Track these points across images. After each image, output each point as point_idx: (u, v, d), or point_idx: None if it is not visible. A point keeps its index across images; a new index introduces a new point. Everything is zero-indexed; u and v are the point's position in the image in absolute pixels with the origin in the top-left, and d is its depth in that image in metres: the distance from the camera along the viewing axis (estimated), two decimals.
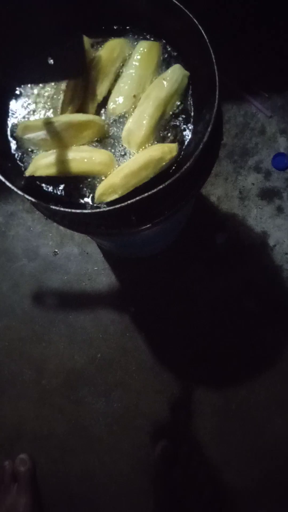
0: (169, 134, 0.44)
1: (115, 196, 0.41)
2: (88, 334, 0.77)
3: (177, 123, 0.44)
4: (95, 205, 0.42)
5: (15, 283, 0.78)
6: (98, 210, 0.38)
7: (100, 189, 0.41)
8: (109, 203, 0.41)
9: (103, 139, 0.44)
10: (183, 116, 0.44)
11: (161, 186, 0.38)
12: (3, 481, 0.71)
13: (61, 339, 0.77)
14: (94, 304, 0.78)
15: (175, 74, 0.43)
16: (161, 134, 0.44)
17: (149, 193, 0.38)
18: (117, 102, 0.44)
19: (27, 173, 0.42)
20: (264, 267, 0.77)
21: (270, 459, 0.72)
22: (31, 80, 0.41)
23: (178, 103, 0.44)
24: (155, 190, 0.38)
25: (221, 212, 0.79)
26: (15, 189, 0.39)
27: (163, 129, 0.44)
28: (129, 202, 0.38)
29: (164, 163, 0.41)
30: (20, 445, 0.74)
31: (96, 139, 0.43)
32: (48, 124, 0.41)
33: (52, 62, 0.38)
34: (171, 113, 0.44)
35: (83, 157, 0.42)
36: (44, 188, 0.43)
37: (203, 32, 0.39)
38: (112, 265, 0.78)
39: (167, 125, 0.44)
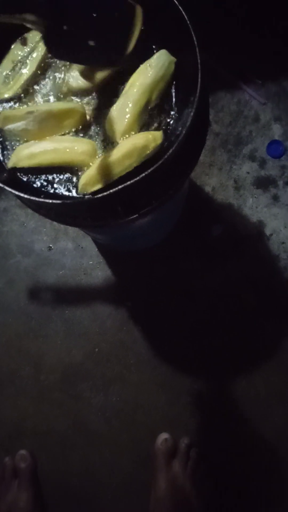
0: (154, 123, 0.43)
1: (98, 186, 0.40)
2: (85, 329, 0.76)
3: (163, 111, 0.43)
4: (79, 196, 0.41)
5: (10, 279, 0.78)
6: (80, 200, 0.37)
7: (83, 179, 0.40)
8: (93, 194, 0.40)
9: (86, 128, 0.43)
10: (169, 103, 0.43)
11: (143, 174, 0.37)
12: (4, 478, 0.72)
13: (58, 334, 0.76)
14: (90, 298, 0.77)
15: (161, 60, 0.42)
16: (145, 122, 0.43)
17: (132, 181, 0.37)
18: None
19: (9, 164, 0.41)
20: (261, 257, 0.76)
21: (271, 451, 0.71)
22: (69, 57, 0.37)
23: (164, 90, 0.43)
24: (138, 178, 0.37)
25: (216, 202, 0.77)
26: None
27: (148, 117, 0.43)
28: (112, 191, 0.37)
29: (148, 152, 0.40)
30: (20, 441, 0.74)
31: (79, 128, 0.42)
32: (28, 113, 0.40)
33: (93, 44, 0.34)
34: (156, 101, 0.43)
35: (65, 147, 0.41)
36: (27, 180, 0.42)
37: (181, 9, 0.38)
38: (108, 259, 0.77)
39: (152, 113, 0.43)
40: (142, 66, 0.42)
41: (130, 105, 0.41)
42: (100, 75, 0.42)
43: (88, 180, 0.40)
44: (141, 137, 0.41)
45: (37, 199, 0.37)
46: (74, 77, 0.42)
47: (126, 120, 0.41)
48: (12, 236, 0.79)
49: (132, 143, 0.40)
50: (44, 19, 0.32)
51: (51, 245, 0.79)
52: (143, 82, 0.42)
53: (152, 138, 0.40)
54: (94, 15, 0.33)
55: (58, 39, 0.35)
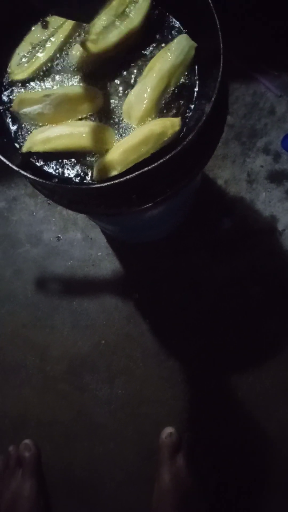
0: (172, 109, 0.42)
1: (114, 173, 0.39)
2: (92, 320, 0.76)
3: (181, 97, 0.42)
4: (94, 182, 0.40)
5: (18, 268, 0.78)
6: (96, 185, 0.36)
7: (98, 165, 0.40)
8: (109, 180, 0.39)
9: (103, 113, 0.42)
10: (188, 90, 0.42)
11: (161, 160, 0.36)
12: (8, 466, 0.72)
13: (64, 325, 0.76)
14: (98, 290, 0.76)
15: (181, 44, 0.41)
16: (164, 109, 0.42)
17: (149, 167, 0.36)
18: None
19: (24, 148, 0.40)
20: (272, 253, 0.74)
21: (277, 447, 0.70)
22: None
23: (183, 76, 0.42)
24: (155, 164, 0.36)
25: (228, 195, 0.76)
26: (11, 165, 0.37)
27: (166, 103, 0.42)
28: (128, 177, 0.36)
29: (165, 138, 0.39)
30: (24, 431, 0.74)
31: (95, 112, 0.41)
32: (45, 97, 0.39)
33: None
34: (175, 86, 0.42)
35: (81, 132, 0.40)
36: (42, 165, 0.41)
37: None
38: (116, 251, 0.77)
39: (171, 99, 0.42)
40: (161, 51, 0.41)
41: (148, 90, 0.40)
42: (103, 44, 0.41)
43: (104, 166, 0.39)
44: (159, 123, 0.40)
45: (52, 183, 0.36)
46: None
47: (144, 105, 0.40)
48: (21, 225, 0.79)
49: (150, 129, 0.39)
50: None
51: (59, 235, 0.78)
52: (162, 67, 0.40)
53: (170, 124, 0.39)
54: None
55: None
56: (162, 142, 0.39)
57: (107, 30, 0.41)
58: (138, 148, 0.39)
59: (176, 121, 0.40)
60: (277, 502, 0.69)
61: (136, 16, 0.41)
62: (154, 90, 0.40)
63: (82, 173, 0.41)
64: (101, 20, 0.41)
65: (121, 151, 0.39)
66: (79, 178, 0.41)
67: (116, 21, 0.41)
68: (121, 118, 0.42)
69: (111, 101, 0.42)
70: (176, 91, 0.42)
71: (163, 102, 0.41)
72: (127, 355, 0.74)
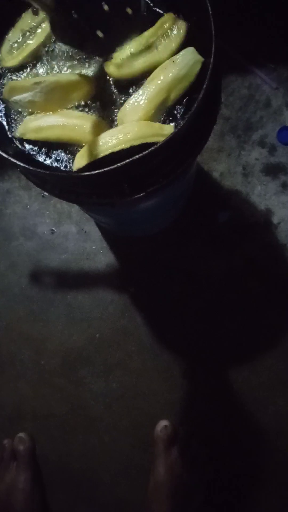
0: (169, 123, 0.41)
1: (89, 159, 0.38)
2: (87, 314, 0.75)
3: (180, 112, 0.40)
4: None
5: (12, 262, 0.77)
6: (85, 173, 0.36)
7: (79, 153, 0.39)
8: (87, 167, 0.38)
9: (94, 101, 0.41)
10: (187, 106, 0.40)
11: (152, 148, 0.36)
12: (3, 459, 0.72)
13: (59, 319, 0.76)
14: (93, 283, 0.76)
15: (186, 58, 0.39)
16: (161, 121, 0.40)
17: (140, 155, 0.35)
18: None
19: (17, 133, 0.40)
20: (268, 246, 0.74)
21: (273, 440, 0.70)
22: (73, 44, 0.36)
23: (186, 90, 0.40)
24: (145, 152, 0.35)
25: (224, 189, 0.76)
26: (2, 153, 0.37)
27: (163, 116, 0.40)
28: (119, 164, 0.35)
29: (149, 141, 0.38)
30: (20, 424, 0.74)
31: (87, 100, 0.41)
32: (35, 84, 0.39)
33: (101, 36, 0.33)
34: (176, 100, 0.40)
35: (74, 124, 0.40)
36: (33, 154, 0.41)
37: None
38: (111, 244, 0.76)
39: (169, 113, 0.40)
40: (166, 62, 0.40)
41: (145, 101, 0.39)
42: None
43: (82, 152, 0.38)
44: (150, 126, 0.39)
45: (42, 171, 0.36)
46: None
47: (138, 116, 0.39)
48: (14, 218, 0.78)
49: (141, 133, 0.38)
50: (54, 2, 0.31)
51: (54, 229, 0.77)
52: (163, 79, 0.39)
53: (160, 132, 0.39)
54: (106, 7, 0.32)
55: (66, 25, 0.33)
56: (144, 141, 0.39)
57: (133, 57, 0.40)
58: (117, 136, 0.38)
59: (168, 127, 0.39)
60: (273, 494, 0.70)
61: (164, 50, 0.40)
62: (150, 102, 0.39)
63: (72, 163, 0.41)
64: (129, 46, 0.40)
65: (100, 137, 0.38)
66: (69, 167, 0.40)
67: (144, 51, 0.40)
68: (113, 107, 0.41)
69: (106, 88, 0.42)
70: (176, 106, 0.40)
71: (161, 115, 0.40)
72: (122, 349, 0.74)
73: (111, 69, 0.40)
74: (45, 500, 0.71)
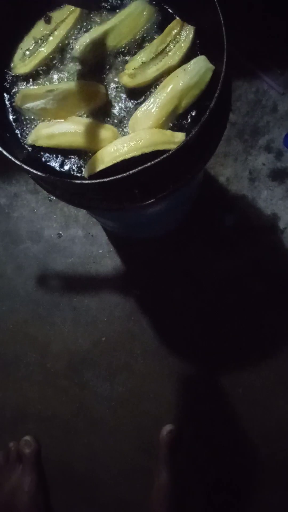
0: (179, 130, 0.41)
1: (101, 166, 0.38)
2: (93, 317, 0.76)
3: (191, 120, 0.41)
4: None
5: (19, 265, 0.78)
6: (98, 180, 0.36)
7: (90, 160, 0.39)
8: (112, 175, 0.39)
9: (106, 109, 0.42)
10: (199, 112, 0.40)
11: (164, 156, 0.36)
12: (8, 461, 0.72)
13: (65, 322, 0.76)
14: (98, 287, 0.76)
15: (198, 66, 0.39)
16: (172, 128, 0.41)
17: (152, 162, 0.36)
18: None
19: (29, 140, 0.40)
20: (273, 250, 0.74)
21: (277, 442, 0.70)
22: None
23: (197, 98, 0.40)
24: (158, 159, 0.36)
25: (230, 193, 0.76)
26: (14, 160, 0.37)
27: (175, 123, 0.41)
28: (131, 172, 0.36)
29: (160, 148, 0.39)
30: (25, 426, 0.74)
31: (98, 108, 0.41)
32: (48, 92, 0.39)
33: None
34: (187, 108, 0.40)
35: (86, 131, 0.40)
36: (45, 161, 0.41)
37: None
38: (117, 248, 0.77)
39: (179, 120, 0.41)
40: (178, 70, 0.40)
41: (156, 109, 0.39)
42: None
43: (93, 160, 0.39)
44: (162, 134, 0.39)
45: (55, 178, 0.36)
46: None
47: (150, 123, 0.39)
48: (22, 221, 0.79)
49: (152, 140, 0.39)
50: None
51: (61, 232, 0.78)
52: (174, 87, 0.40)
53: (173, 140, 0.39)
54: None
55: None
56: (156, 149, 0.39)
57: (146, 66, 0.41)
58: (129, 143, 0.38)
59: (179, 135, 0.39)
60: (277, 498, 0.70)
61: (175, 55, 0.41)
62: (162, 109, 0.39)
63: (84, 170, 0.41)
64: (141, 56, 0.41)
65: (112, 144, 0.38)
66: (81, 174, 0.41)
67: (155, 58, 0.41)
68: (123, 115, 0.42)
69: (115, 97, 0.42)
70: (188, 113, 0.40)
71: (171, 122, 0.40)
72: (128, 352, 0.74)
73: (125, 79, 0.41)
74: (48, 502, 0.71)
